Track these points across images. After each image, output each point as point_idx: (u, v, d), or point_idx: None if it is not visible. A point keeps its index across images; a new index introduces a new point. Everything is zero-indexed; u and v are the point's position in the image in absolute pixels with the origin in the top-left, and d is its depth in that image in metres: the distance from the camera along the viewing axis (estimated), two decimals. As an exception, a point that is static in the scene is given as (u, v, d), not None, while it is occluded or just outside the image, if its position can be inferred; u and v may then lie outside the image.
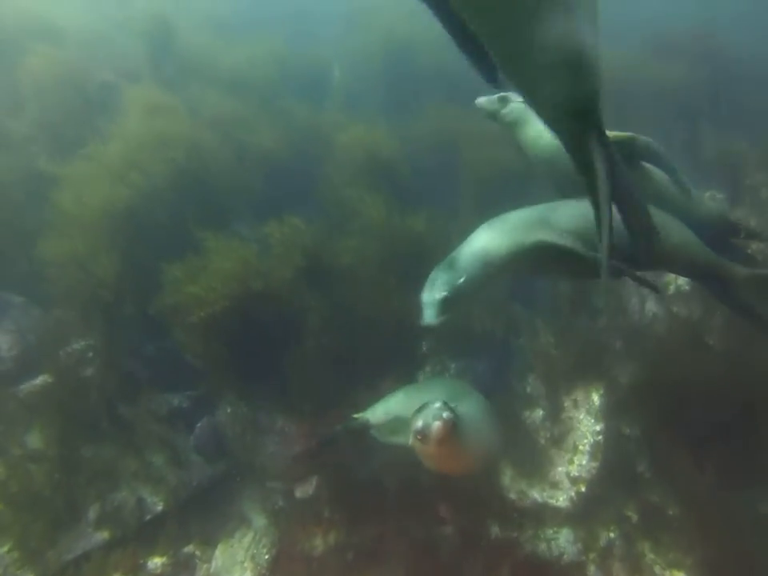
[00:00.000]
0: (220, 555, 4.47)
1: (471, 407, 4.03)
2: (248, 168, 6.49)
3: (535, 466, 5.03)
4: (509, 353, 6.42)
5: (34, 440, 4.99)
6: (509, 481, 5.06)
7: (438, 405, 3.58)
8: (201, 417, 5.30)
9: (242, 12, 11.77)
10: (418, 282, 5.63)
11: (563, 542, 4.57)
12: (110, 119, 6.37)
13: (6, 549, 4.46)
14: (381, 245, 5.34)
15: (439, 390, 4.27)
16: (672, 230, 3.62)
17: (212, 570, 4.37)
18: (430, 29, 9.68)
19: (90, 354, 5.19)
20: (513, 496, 4.89)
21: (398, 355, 5.28)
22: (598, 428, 4.98)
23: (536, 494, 4.82)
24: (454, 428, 3.44)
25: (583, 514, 4.57)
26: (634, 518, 4.39)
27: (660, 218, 3.39)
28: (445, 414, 3.46)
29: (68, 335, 5.57)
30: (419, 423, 3.48)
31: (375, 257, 5.24)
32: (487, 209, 6.67)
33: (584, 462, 4.82)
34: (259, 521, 4.96)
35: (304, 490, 4.82)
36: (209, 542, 4.59)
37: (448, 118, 7.50)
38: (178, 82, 7.56)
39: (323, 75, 10.07)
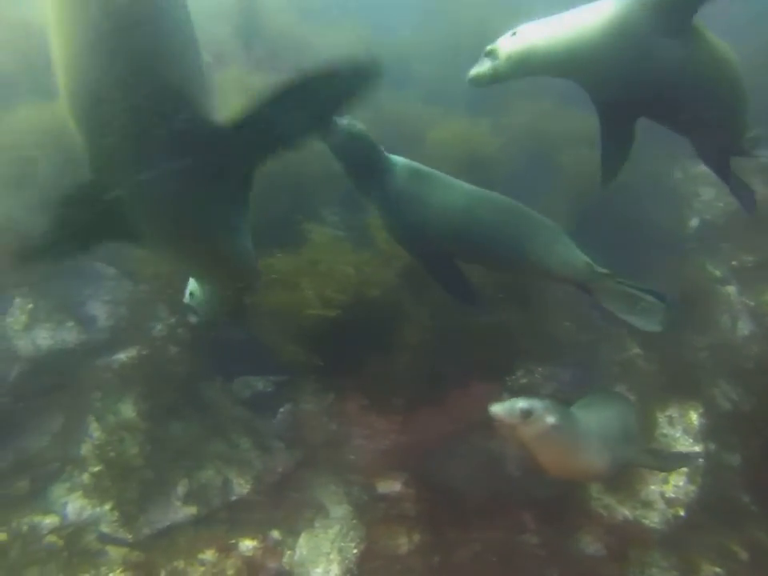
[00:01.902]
0: (304, 544, 4.45)
1: (602, 415, 3.93)
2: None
3: (624, 481, 4.84)
4: (594, 363, 6.22)
5: (127, 410, 5.08)
6: (595, 494, 4.88)
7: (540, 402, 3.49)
8: (284, 402, 5.28)
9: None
10: (514, 290, 5.56)
11: (655, 566, 4.38)
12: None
13: (108, 507, 4.66)
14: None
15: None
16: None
17: (296, 558, 4.35)
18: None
19: (180, 330, 5.22)
20: (601, 511, 4.71)
21: (489, 358, 5.15)
22: (697, 449, 4.74)
23: (626, 512, 4.63)
24: (541, 428, 3.36)
25: (681, 541, 4.35)
26: (742, 554, 4.14)
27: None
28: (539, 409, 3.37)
29: (159, 310, 5.65)
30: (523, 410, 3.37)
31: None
32: (583, 213, 6.52)
33: (681, 484, 4.61)
34: (337, 512, 4.92)
35: (388, 487, 4.75)
36: (291, 530, 4.56)
37: (541, 116, 7.28)
38: (267, 65, 7.55)
39: (404, 67, 9.93)
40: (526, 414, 3.33)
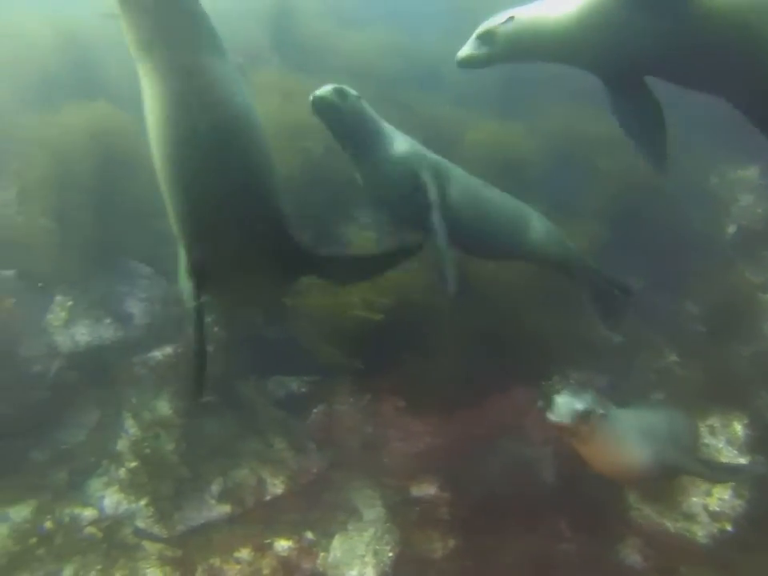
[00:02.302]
0: (338, 546, 4.43)
1: (648, 415, 3.87)
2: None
3: (664, 492, 4.73)
4: (630, 370, 6.12)
5: (163, 407, 5.13)
6: (634, 503, 4.78)
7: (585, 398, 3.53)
8: (318, 403, 5.28)
9: (358, 2, 11.77)
10: (557, 298, 5.49)
11: (705, 583, 4.24)
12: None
13: (143, 502, 4.72)
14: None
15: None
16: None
17: (330, 560, 4.33)
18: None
19: (216, 329, 5.26)
20: (640, 521, 4.61)
21: (527, 363, 5.09)
22: (742, 461, 4.61)
23: (667, 523, 4.51)
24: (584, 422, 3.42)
25: (731, 558, 4.20)
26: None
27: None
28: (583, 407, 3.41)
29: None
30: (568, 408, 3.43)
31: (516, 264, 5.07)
32: (620, 217, 6.43)
33: (726, 498, 4.48)
34: (370, 515, 4.89)
35: (423, 490, 4.71)
36: (325, 532, 4.54)
37: (575, 119, 7.18)
38: (302, 68, 7.58)
39: (435, 71, 9.90)
40: (584, 416, 3.41)
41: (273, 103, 6.16)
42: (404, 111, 7.18)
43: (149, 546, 4.64)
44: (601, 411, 3.50)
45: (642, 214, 6.35)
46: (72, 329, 5.90)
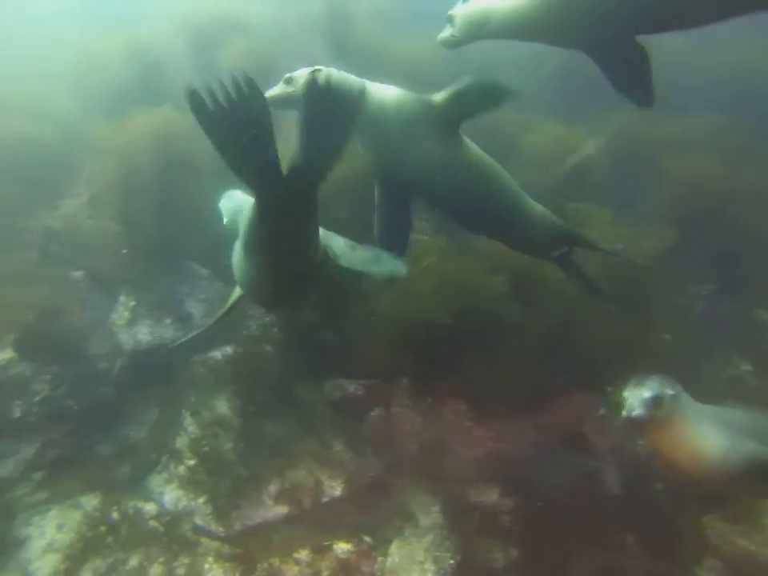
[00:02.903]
0: (396, 551, 4.35)
1: (727, 410, 3.73)
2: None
3: (745, 512, 4.45)
4: (698, 379, 5.82)
5: (222, 406, 5.19)
6: (710, 522, 4.51)
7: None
8: (375, 406, 5.22)
9: (409, 6, 11.81)
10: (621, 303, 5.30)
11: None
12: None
13: (202, 500, 4.79)
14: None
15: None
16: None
17: (389, 565, 4.25)
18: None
19: (275, 330, 5.29)
20: (717, 541, 4.34)
21: (590, 369, 4.92)
22: (829, 480, 4.27)
23: (752, 547, 4.22)
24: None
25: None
26: None
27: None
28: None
29: (251, 310, 5.76)
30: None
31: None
32: (689, 221, 6.17)
33: (819, 520, 4.16)
34: (426, 521, 4.79)
35: (483, 497, 4.59)
36: (382, 536, 4.47)
37: (638, 119, 6.95)
38: (357, 72, 7.63)
39: (489, 74, 9.79)
40: (657, 401, 3.33)
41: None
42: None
43: (207, 543, 4.67)
44: (671, 392, 3.36)
45: (711, 217, 6.07)
46: (134, 328, 6.07)
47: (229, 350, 5.51)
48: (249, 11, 9.38)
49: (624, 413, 3.37)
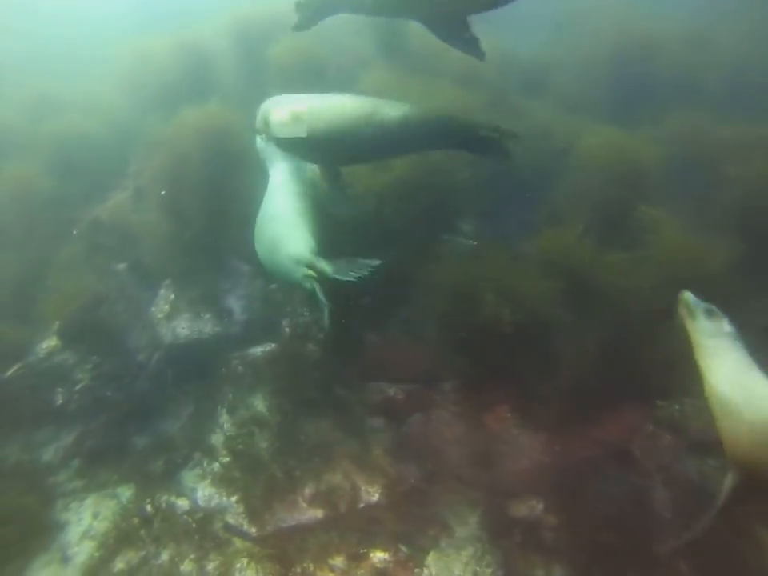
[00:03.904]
0: (433, 563, 4.17)
1: None
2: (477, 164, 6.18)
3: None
4: None
5: (259, 404, 5.11)
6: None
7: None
8: (415, 411, 5.06)
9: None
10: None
11: None
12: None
13: (234, 498, 4.72)
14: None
15: None
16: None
17: (425, 577, 4.07)
18: (672, 30, 8.89)
19: (314, 330, 5.19)
20: (780, 572, 4.01)
21: (641, 383, 4.66)
22: None
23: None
24: None
25: None
26: None
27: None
28: None
29: (291, 308, 5.68)
30: None
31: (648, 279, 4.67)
32: (755, 230, 5.81)
33: None
34: (462, 532, 4.59)
35: (525, 511, 4.36)
36: (419, 546, 4.29)
37: (697, 122, 6.63)
38: (409, 71, 7.52)
39: (540, 76, 9.59)
40: (709, 313, 3.51)
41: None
42: (512, 117, 6.95)
43: (239, 543, 4.58)
44: (729, 328, 3.48)
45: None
46: (173, 322, 6.06)
47: (268, 347, 5.43)
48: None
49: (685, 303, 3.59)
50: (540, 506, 4.35)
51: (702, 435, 4.86)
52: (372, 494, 4.56)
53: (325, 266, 4.14)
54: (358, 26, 8.75)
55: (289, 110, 4.44)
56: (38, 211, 7.12)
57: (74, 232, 6.75)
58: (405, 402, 5.13)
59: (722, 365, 3.42)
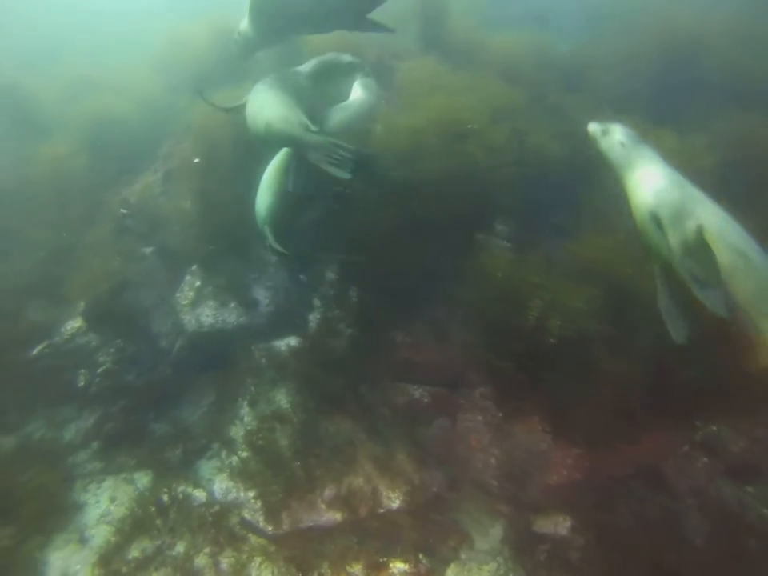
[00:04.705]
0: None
1: None
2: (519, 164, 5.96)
3: None
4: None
5: (281, 399, 5.00)
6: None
7: None
8: (439, 416, 4.91)
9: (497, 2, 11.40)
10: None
11: None
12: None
13: (252, 494, 4.65)
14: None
15: None
16: None
17: (443, 592, 3.93)
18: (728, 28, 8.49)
19: (342, 326, 5.05)
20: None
21: (678, 401, 4.43)
22: None
23: None
24: None
25: None
26: None
27: None
28: None
29: (317, 301, 5.55)
30: None
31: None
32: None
33: None
34: (483, 544, 4.44)
35: (551, 527, 4.19)
36: (440, 557, 4.15)
37: (757, 128, 6.30)
38: (452, 65, 7.31)
39: (578, 73, 9.28)
40: (607, 130, 3.73)
41: (437, 102, 5.89)
42: (554, 115, 6.70)
43: (254, 540, 4.49)
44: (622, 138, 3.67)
45: None
46: (197, 309, 5.98)
47: (293, 341, 5.31)
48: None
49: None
50: (567, 524, 4.18)
51: (740, 460, 4.65)
52: (393, 500, 4.43)
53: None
54: (402, 20, 8.56)
55: None
56: (71, 191, 7.09)
57: (123, 211, 6.71)
58: (430, 406, 4.99)
59: (642, 176, 3.54)
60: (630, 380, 4.13)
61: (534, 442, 4.35)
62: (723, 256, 3.13)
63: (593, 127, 3.84)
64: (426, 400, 4.97)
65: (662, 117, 7.34)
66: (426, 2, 8.45)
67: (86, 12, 12.40)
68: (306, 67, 5.18)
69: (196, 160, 6.36)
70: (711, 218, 3.25)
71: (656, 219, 3.36)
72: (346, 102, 5.26)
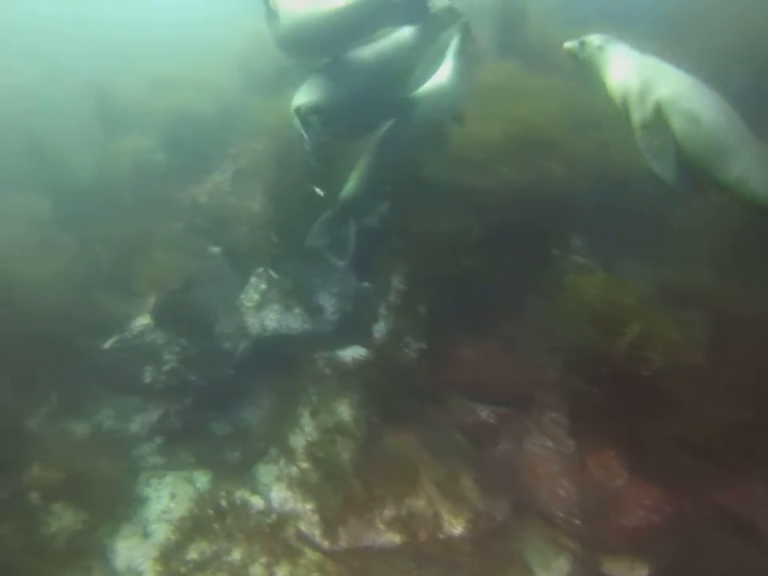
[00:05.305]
0: (517, 615, 3.81)
1: None
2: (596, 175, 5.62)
3: None
4: None
5: (344, 412, 4.90)
6: None
7: None
8: (505, 439, 4.68)
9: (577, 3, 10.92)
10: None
11: None
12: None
13: (309, 506, 4.61)
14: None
15: None
16: None
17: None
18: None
19: (409, 338, 4.89)
20: None
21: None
22: None
23: None
24: None
25: None
26: None
27: None
28: None
29: (383, 311, 5.42)
30: None
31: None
32: None
33: None
34: (545, 579, 4.20)
35: (623, 571, 3.91)
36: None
37: None
38: (528, 67, 7.00)
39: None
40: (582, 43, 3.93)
41: (515, 109, 5.66)
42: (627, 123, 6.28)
43: (310, 554, 4.42)
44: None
45: None
46: (262, 313, 5.96)
47: (358, 352, 5.20)
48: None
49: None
50: (643, 572, 3.88)
51: None
52: (455, 526, 4.26)
53: None
54: (476, 23, 8.31)
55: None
56: (148, 185, 7.27)
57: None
58: (497, 427, 4.77)
59: (615, 68, 3.72)
60: (726, 421, 3.77)
61: (609, 477, 4.06)
62: (678, 123, 3.32)
63: (569, 44, 4.02)
64: (492, 421, 4.76)
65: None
66: (506, 4, 8.15)
67: (162, 24, 12.80)
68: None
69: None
70: (672, 91, 3.38)
71: (625, 103, 3.58)
72: (435, 85, 4.97)
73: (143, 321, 6.03)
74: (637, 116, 3.46)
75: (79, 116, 8.46)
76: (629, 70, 3.60)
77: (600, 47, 3.83)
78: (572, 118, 5.64)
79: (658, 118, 3.35)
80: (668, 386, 3.82)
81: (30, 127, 7.96)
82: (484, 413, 4.78)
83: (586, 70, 3.98)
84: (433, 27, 4.59)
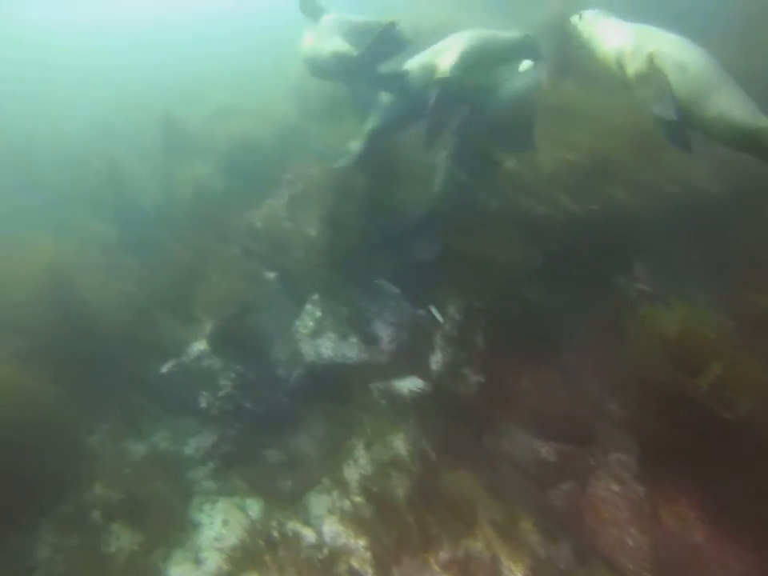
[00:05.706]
0: None
1: None
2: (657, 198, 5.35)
3: None
4: None
5: (399, 445, 4.78)
6: None
7: None
8: (566, 479, 4.43)
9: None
10: None
11: None
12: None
13: (362, 542, 4.50)
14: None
15: None
16: None
17: None
18: None
19: (466, 371, 4.74)
20: None
21: None
22: None
23: None
24: None
25: None
26: None
27: None
28: None
29: (439, 341, 5.29)
30: None
31: None
32: None
33: None
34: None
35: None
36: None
37: None
38: (589, 86, 6.80)
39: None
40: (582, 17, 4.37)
41: (576, 135, 5.50)
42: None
43: (364, 592, 4.28)
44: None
45: None
46: (317, 340, 5.94)
47: (414, 384, 5.08)
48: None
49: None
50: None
51: None
52: (514, 572, 4.03)
53: None
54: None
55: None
56: (207, 210, 7.45)
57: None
58: (558, 465, 4.53)
59: (609, 37, 4.15)
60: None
61: (686, 530, 3.75)
62: (668, 72, 3.69)
63: (573, 19, 4.49)
64: (553, 459, 4.53)
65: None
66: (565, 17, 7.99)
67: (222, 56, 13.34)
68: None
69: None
70: (661, 45, 3.79)
71: (620, 63, 3.98)
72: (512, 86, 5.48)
73: (200, 346, 6.11)
74: (632, 70, 3.88)
75: (146, 146, 8.84)
76: (621, 35, 4.04)
77: (594, 18, 4.33)
78: (633, 140, 5.41)
79: (651, 66, 3.75)
80: (757, 431, 3.51)
81: (103, 157, 8.35)
82: (544, 449, 4.56)
83: (584, 40, 4.43)
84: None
